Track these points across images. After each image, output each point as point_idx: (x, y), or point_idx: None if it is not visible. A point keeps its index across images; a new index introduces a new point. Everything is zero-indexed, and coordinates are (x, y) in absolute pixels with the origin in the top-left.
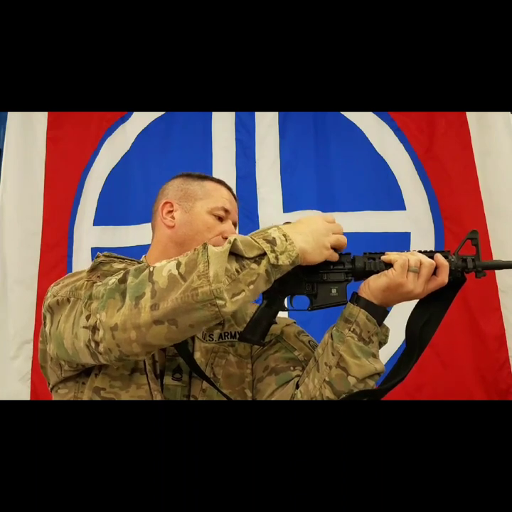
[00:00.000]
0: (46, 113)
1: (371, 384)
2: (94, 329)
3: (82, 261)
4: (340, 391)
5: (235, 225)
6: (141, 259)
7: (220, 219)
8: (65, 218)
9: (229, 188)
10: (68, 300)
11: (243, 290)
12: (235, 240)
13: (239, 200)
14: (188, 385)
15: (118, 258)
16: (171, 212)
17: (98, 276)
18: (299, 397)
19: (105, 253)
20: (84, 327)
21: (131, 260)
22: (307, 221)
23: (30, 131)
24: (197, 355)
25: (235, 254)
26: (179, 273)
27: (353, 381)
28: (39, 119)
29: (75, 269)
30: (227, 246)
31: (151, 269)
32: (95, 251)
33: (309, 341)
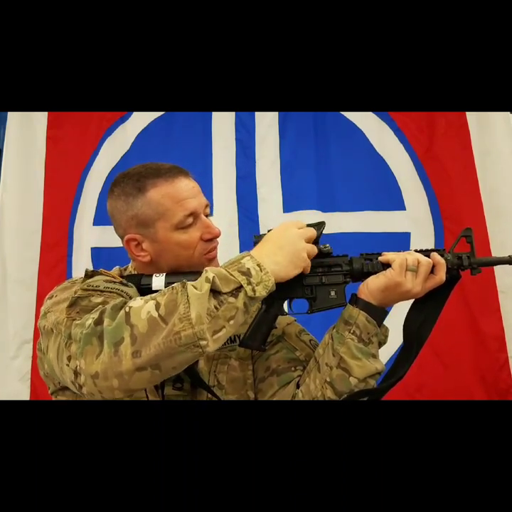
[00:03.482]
0: (46, 113)
1: (372, 383)
2: (75, 373)
3: (82, 261)
4: (341, 391)
5: (207, 206)
6: (132, 262)
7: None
8: (65, 218)
9: (173, 174)
10: (52, 330)
11: (223, 326)
12: (214, 277)
13: (238, 200)
14: (190, 394)
15: (96, 291)
16: (138, 245)
17: (77, 312)
18: (299, 396)
19: (83, 286)
20: (67, 365)
21: (111, 291)
22: (276, 235)
23: (30, 131)
24: (201, 365)
25: (212, 290)
26: (159, 315)
27: (354, 381)
28: (39, 119)
29: (74, 270)
30: (207, 286)
31: (127, 309)
32: (95, 251)
33: (310, 340)
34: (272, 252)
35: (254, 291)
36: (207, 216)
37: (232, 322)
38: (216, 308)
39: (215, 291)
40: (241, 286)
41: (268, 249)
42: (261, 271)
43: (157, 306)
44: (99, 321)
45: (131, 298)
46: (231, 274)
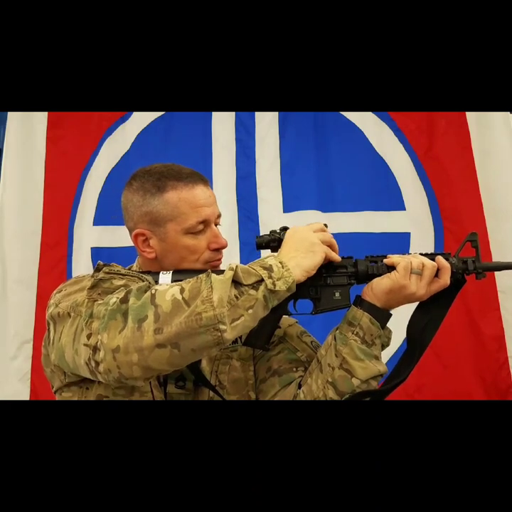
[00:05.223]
0: (46, 113)
1: (374, 384)
2: (95, 349)
3: (82, 261)
4: (343, 392)
5: (218, 216)
6: (136, 262)
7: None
8: (65, 218)
9: (193, 180)
10: (69, 315)
11: (242, 315)
12: (237, 267)
13: (238, 200)
14: (193, 393)
15: (118, 274)
16: (146, 240)
17: (99, 294)
18: (301, 397)
19: (105, 269)
20: (84, 345)
21: (132, 276)
22: (289, 240)
23: (30, 131)
24: (203, 364)
25: (234, 281)
26: (183, 298)
27: (356, 382)
28: (39, 119)
29: (74, 270)
30: (230, 273)
31: (153, 291)
32: (95, 251)
33: (312, 342)
34: (290, 252)
35: (274, 285)
36: (216, 226)
37: (250, 311)
38: (236, 297)
39: (236, 283)
40: (262, 280)
41: (287, 252)
42: (283, 267)
43: (182, 291)
44: (124, 300)
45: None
46: (253, 269)
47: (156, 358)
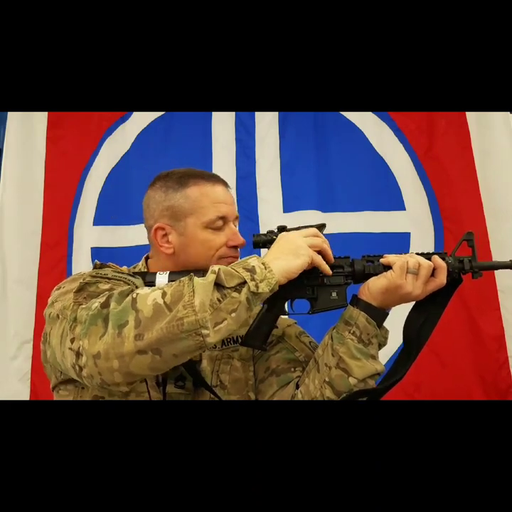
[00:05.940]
0: (46, 113)
1: (371, 383)
2: (77, 354)
3: (82, 261)
4: (340, 391)
5: (236, 219)
6: (142, 261)
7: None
8: (65, 218)
9: (215, 180)
10: (58, 316)
11: (225, 318)
12: (219, 269)
13: (238, 200)
14: (192, 393)
15: (104, 278)
16: (165, 235)
17: (84, 298)
18: (299, 397)
19: (92, 272)
20: (69, 349)
21: (118, 280)
22: (277, 243)
23: (30, 131)
24: (204, 364)
25: (216, 284)
26: (164, 303)
27: (353, 381)
28: (39, 119)
29: (74, 270)
30: (212, 276)
31: (135, 295)
32: (95, 251)
33: (310, 342)
34: (274, 254)
35: (257, 287)
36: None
37: (233, 315)
38: (219, 300)
39: (219, 285)
40: (245, 282)
41: (271, 254)
42: (265, 269)
43: (163, 295)
44: (105, 304)
45: (137, 287)
46: (236, 271)
47: (137, 364)
